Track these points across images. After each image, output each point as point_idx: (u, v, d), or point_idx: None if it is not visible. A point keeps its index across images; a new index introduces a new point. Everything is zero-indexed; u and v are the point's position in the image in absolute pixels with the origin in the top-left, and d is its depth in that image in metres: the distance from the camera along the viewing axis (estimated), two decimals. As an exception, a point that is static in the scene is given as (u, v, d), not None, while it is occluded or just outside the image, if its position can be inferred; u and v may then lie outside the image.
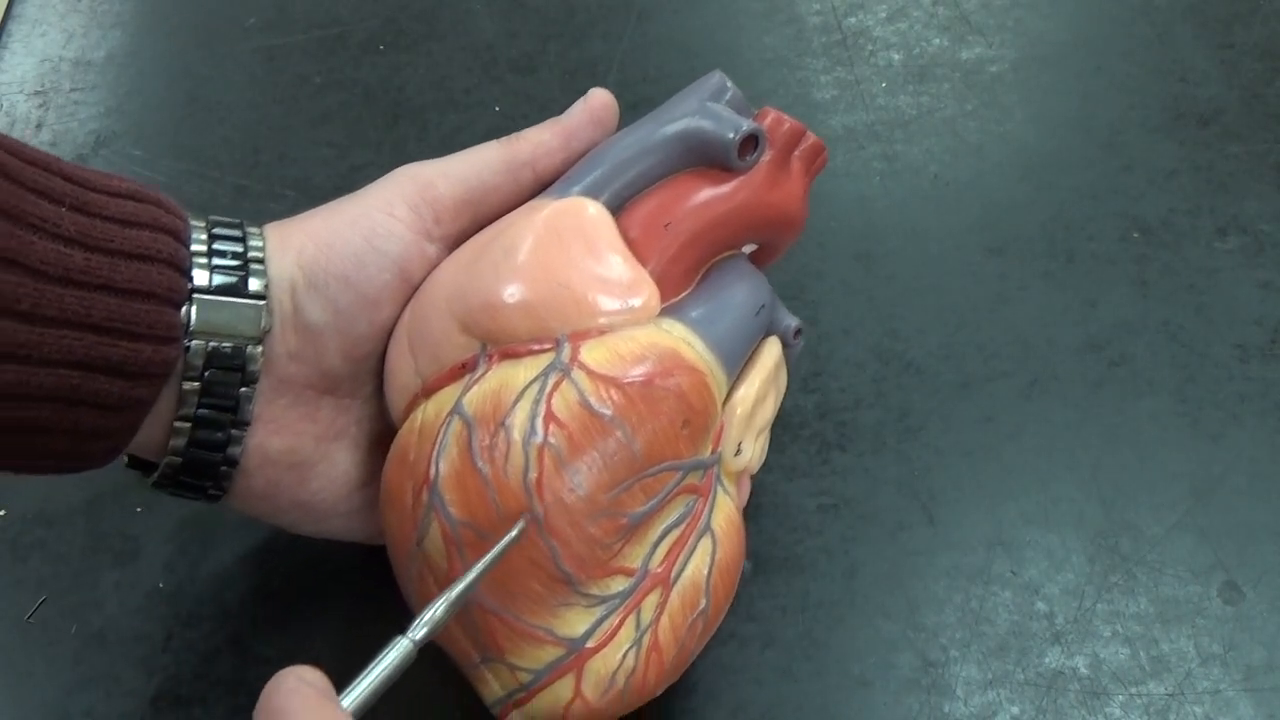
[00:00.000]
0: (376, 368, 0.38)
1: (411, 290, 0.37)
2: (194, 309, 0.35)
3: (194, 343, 0.35)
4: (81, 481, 0.46)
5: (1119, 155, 0.54)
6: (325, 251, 0.36)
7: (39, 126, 0.59)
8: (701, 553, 0.36)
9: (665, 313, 0.36)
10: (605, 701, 0.35)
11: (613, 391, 0.34)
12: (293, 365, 0.37)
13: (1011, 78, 0.58)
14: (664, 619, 0.35)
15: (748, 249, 0.40)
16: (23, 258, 0.31)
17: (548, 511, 0.33)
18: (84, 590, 0.44)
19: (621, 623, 0.35)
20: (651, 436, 0.34)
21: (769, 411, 0.39)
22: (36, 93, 0.61)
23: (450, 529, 0.34)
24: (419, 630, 0.31)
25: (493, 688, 0.35)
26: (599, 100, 0.39)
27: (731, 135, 0.36)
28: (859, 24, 0.61)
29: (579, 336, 0.35)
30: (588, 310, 0.35)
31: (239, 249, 0.36)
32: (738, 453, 0.37)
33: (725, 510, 0.37)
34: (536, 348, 0.35)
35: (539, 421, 0.33)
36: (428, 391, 0.36)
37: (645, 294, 0.36)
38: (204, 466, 0.36)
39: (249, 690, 0.41)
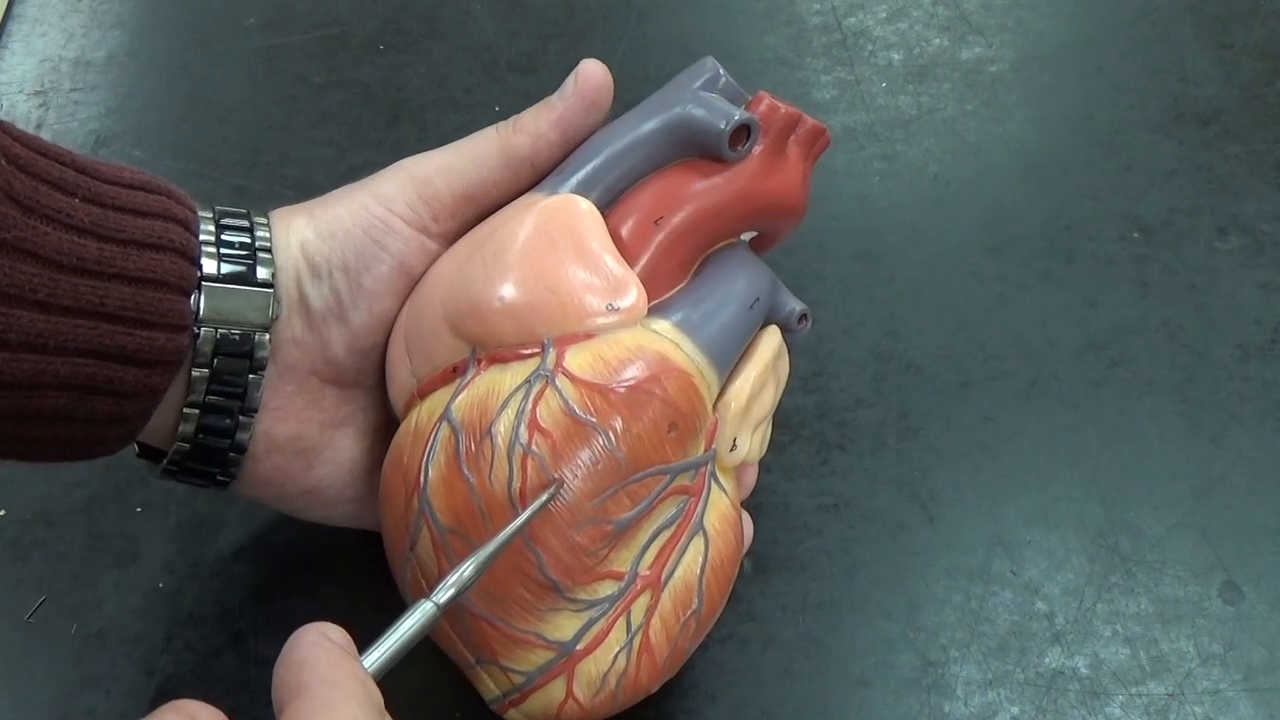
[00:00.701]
0: (379, 360, 0.38)
1: (412, 283, 0.38)
2: (203, 297, 0.35)
3: (203, 330, 0.35)
4: (81, 481, 0.47)
5: (1119, 155, 0.54)
6: (327, 241, 0.37)
7: (39, 126, 0.59)
8: (693, 553, 0.36)
9: (656, 311, 0.36)
10: (598, 702, 0.35)
11: (597, 398, 0.34)
12: (298, 352, 0.37)
13: (1011, 78, 0.58)
14: (655, 620, 0.35)
15: (747, 236, 0.40)
16: (38, 248, 0.31)
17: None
18: (84, 590, 0.44)
19: (611, 626, 0.35)
20: (636, 442, 0.34)
21: (768, 402, 0.39)
22: (36, 93, 0.61)
23: (438, 536, 0.34)
24: (444, 593, 0.31)
25: (489, 687, 0.36)
26: (591, 82, 0.38)
27: (723, 126, 0.36)
28: (859, 24, 0.61)
29: (565, 341, 0.35)
30: (574, 314, 0.35)
31: (246, 239, 0.36)
32: (733, 448, 0.37)
33: (719, 507, 0.37)
34: (524, 352, 0.35)
35: (523, 429, 0.33)
36: (422, 393, 0.36)
37: (633, 296, 0.35)
38: (212, 453, 0.37)
39: (249, 690, 0.41)
